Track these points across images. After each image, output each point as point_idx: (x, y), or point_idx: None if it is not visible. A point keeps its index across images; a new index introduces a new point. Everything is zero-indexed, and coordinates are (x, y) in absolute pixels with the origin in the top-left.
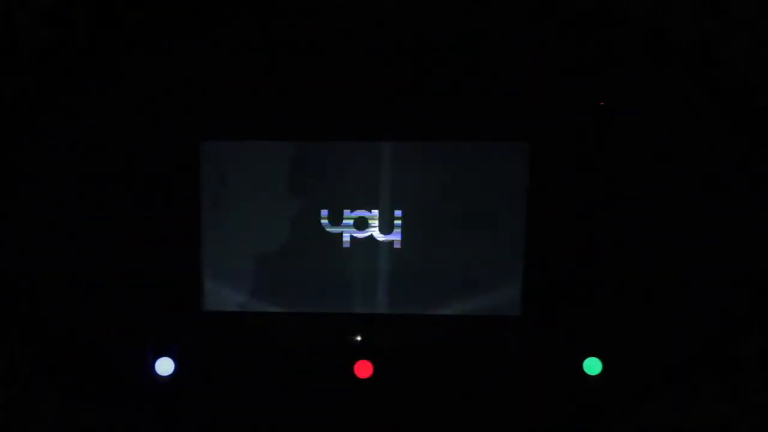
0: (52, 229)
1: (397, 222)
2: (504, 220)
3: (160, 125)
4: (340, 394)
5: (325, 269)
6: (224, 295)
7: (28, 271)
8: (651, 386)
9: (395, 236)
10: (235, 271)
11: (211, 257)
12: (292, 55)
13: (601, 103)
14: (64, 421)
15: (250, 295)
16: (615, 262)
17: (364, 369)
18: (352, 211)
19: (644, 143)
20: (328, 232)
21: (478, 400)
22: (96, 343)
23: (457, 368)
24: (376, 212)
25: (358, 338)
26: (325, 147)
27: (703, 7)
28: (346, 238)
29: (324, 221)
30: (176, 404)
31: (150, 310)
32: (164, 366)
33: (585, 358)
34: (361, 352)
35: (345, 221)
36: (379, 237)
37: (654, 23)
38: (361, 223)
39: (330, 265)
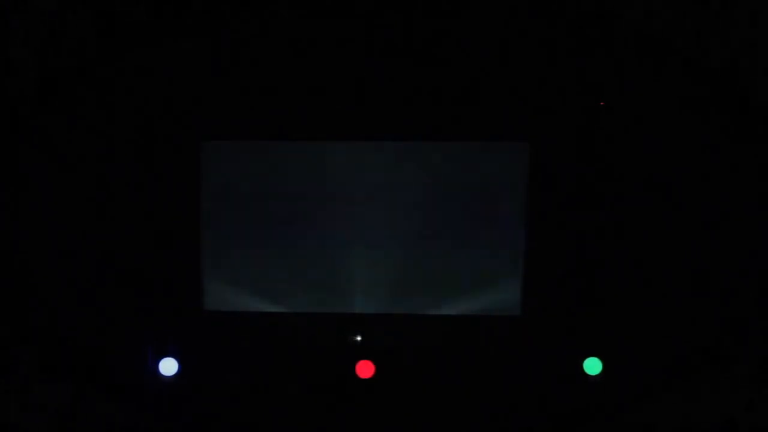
0: (52, 230)
1: (397, 222)
2: (504, 220)
3: (160, 125)
4: (342, 394)
5: (325, 269)
6: (224, 295)
7: (29, 271)
8: (651, 386)
9: (395, 236)
10: (235, 271)
11: (211, 257)
12: (292, 55)
13: (601, 103)
14: (64, 420)
15: (250, 295)
16: (615, 262)
17: (365, 369)
18: (352, 211)
19: (644, 143)
20: (329, 233)
21: (479, 400)
22: (96, 343)
23: (457, 368)
24: (376, 212)
25: (358, 338)
26: (325, 147)
27: (703, 8)
28: (347, 238)
29: (324, 221)
30: (177, 403)
31: (150, 310)
32: (168, 366)
33: (585, 358)
34: (363, 352)
35: (345, 221)
36: (380, 237)
37: (654, 24)
38: (362, 224)
39: (330, 265)
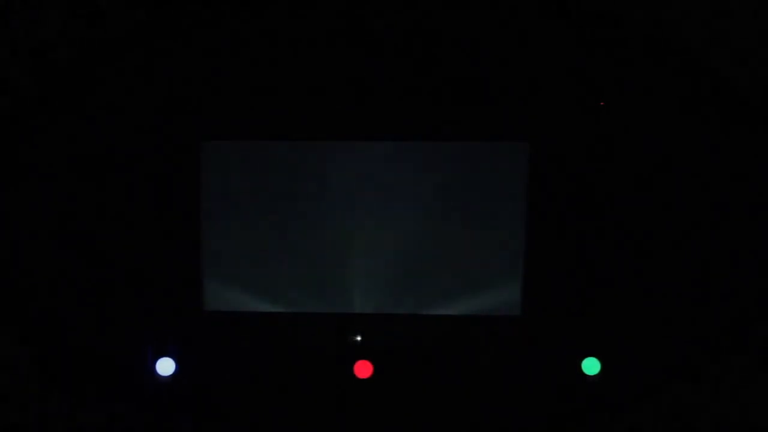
0: (52, 230)
1: (397, 222)
2: (504, 220)
3: (160, 125)
4: (340, 394)
5: (325, 269)
6: (224, 295)
7: (29, 271)
8: (650, 386)
9: (395, 236)
10: (235, 271)
11: (211, 257)
12: (292, 55)
13: (601, 103)
14: (64, 420)
15: (250, 295)
16: (614, 262)
17: (363, 369)
18: (351, 211)
19: (644, 143)
20: (328, 233)
21: (479, 400)
22: (96, 344)
23: (457, 368)
24: (376, 212)
25: (358, 338)
26: (324, 147)
27: (703, 8)
28: (347, 238)
29: (324, 221)
30: (177, 404)
31: (150, 311)
32: (165, 366)
33: (584, 358)
34: (361, 352)
35: (345, 221)
36: (379, 237)
37: (654, 23)
38: (361, 224)
39: (330, 265)
